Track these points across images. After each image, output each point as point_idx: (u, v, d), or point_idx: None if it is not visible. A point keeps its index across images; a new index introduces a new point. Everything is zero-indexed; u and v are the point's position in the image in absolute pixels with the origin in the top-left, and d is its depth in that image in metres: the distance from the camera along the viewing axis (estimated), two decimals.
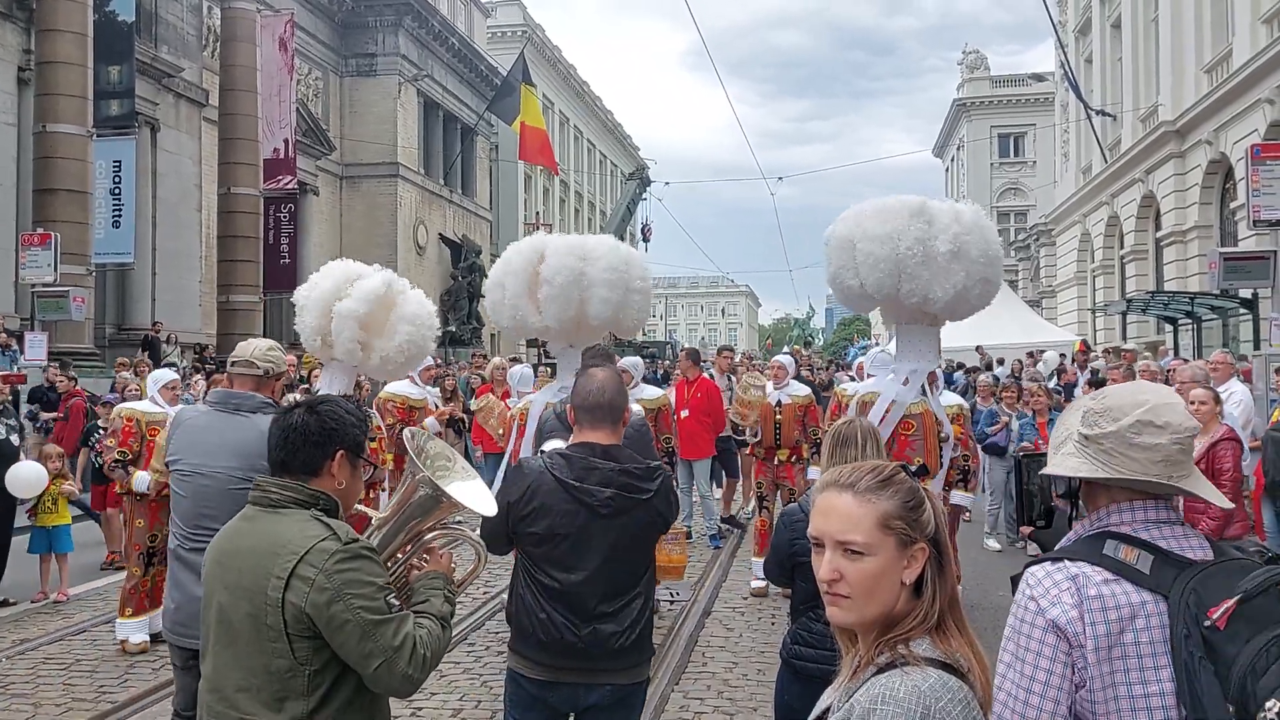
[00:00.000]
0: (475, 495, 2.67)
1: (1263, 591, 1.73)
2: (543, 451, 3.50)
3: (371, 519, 2.68)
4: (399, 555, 2.62)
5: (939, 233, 5.94)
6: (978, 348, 19.61)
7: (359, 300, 6.35)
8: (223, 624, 2.40)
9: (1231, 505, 3.60)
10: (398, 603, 2.39)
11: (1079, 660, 1.79)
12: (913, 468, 1.94)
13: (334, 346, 6.40)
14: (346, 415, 2.57)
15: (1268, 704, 1.62)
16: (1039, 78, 48.36)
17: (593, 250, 6.73)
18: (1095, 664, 1.79)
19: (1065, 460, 1.97)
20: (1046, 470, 2.08)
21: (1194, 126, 22.44)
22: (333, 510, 2.48)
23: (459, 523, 2.82)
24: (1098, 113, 26.99)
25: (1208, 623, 1.73)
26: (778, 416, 8.61)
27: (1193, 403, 6.21)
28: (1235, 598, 1.72)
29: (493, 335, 38.06)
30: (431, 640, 2.40)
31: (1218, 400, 6.31)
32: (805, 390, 9.02)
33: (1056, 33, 29.57)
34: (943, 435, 6.44)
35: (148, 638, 6.56)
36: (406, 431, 2.72)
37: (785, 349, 24.52)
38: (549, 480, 3.12)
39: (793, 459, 8.61)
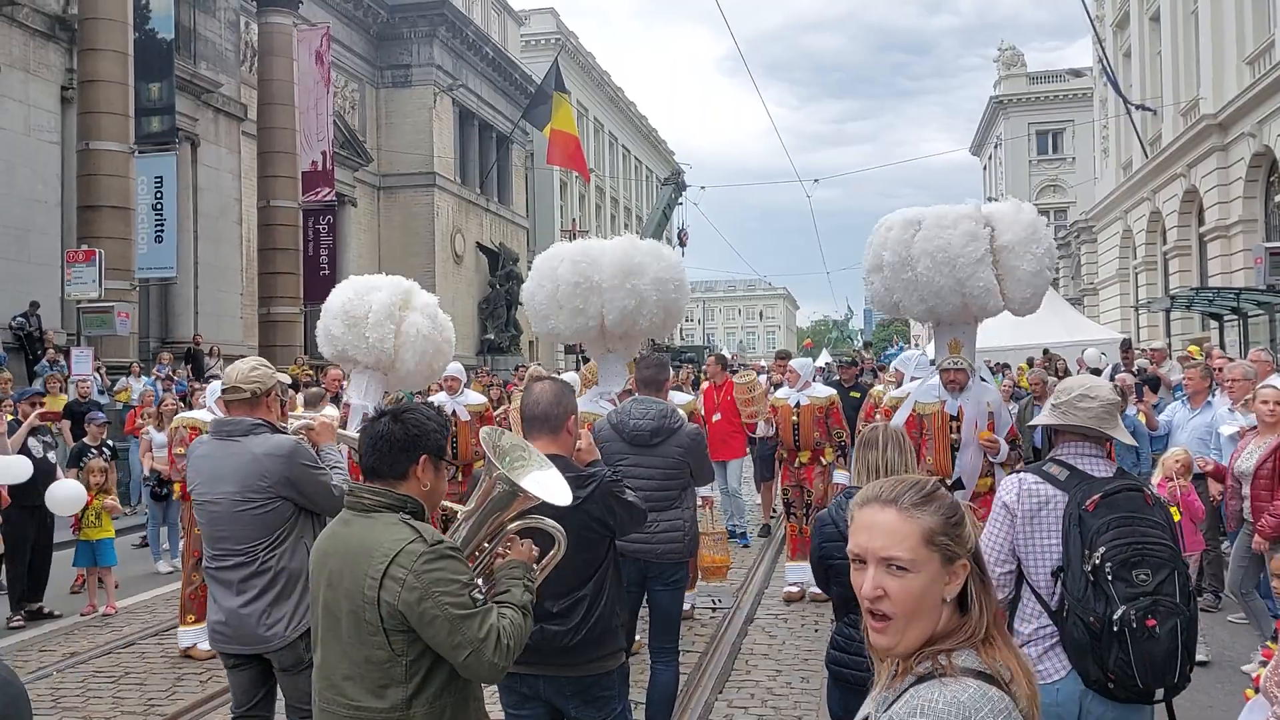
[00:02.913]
0: (550, 485, 2.80)
1: (1116, 492, 3.06)
2: None
3: (457, 513, 2.84)
4: (484, 546, 2.77)
5: (980, 235, 5.87)
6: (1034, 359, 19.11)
7: (438, 322, 6.56)
8: (328, 618, 2.62)
9: (1132, 442, 4.30)
10: (482, 596, 2.58)
11: (1015, 523, 3.18)
12: (949, 481, 1.96)
13: (401, 365, 6.48)
14: (428, 421, 2.73)
15: (1100, 550, 2.95)
16: (1076, 73, 47.65)
17: (600, 256, 6.67)
18: (1021, 526, 3.17)
19: (1042, 416, 3.36)
20: (1033, 421, 4.16)
21: (1236, 119, 22.01)
22: (419, 513, 2.65)
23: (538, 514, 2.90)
24: (1137, 107, 26.48)
25: (1084, 507, 3.05)
26: (795, 418, 8.53)
27: (1266, 402, 6.19)
28: (1099, 494, 3.05)
29: (530, 342, 38.23)
30: (514, 629, 2.58)
31: None
32: (827, 392, 8.90)
33: (1094, 27, 29.13)
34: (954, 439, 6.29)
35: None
36: (483, 430, 2.89)
37: (824, 351, 24.23)
38: None
39: (814, 461, 8.49)
